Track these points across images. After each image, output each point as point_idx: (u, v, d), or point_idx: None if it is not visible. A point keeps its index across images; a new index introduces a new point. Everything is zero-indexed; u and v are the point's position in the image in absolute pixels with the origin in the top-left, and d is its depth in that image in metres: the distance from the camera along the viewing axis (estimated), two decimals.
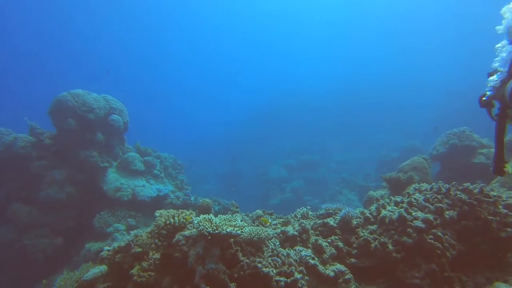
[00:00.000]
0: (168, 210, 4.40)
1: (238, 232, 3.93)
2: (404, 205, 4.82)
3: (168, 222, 4.17)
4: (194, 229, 4.20)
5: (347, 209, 5.52)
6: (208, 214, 4.28)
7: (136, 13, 57.45)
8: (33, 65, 54.29)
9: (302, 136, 33.53)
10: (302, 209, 6.34)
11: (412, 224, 4.19)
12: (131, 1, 54.75)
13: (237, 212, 6.48)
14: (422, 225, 3.99)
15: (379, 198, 5.60)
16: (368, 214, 5.31)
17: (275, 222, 5.84)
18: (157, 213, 4.34)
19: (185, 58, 67.95)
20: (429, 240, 3.81)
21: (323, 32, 57.28)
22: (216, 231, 3.80)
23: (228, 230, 3.85)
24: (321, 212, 6.45)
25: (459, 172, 8.80)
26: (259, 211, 6.55)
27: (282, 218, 6.47)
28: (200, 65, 68.58)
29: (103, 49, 59.33)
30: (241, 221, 4.72)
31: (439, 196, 4.32)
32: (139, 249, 4.51)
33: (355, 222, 5.35)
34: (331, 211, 6.37)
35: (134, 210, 10.43)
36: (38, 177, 9.83)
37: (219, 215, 4.42)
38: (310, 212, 6.22)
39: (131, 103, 12.92)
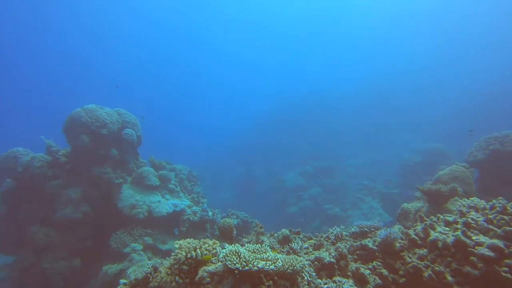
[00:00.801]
0: (189, 241, 3.87)
1: (272, 267, 3.38)
2: (459, 226, 4.17)
3: (189, 255, 3.64)
4: (220, 263, 3.67)
5: (389, 230, 4.89)
6: (234, 245, 3.75)
7: (144, 25, 58.24)
8: (52, 82, 55.52)
9: (316, 140, 32.81)
10: (336, 229, 5.72)
11: (476, 251, 3.54)
12: (141, 14, 55.53)
13: (262, 233, 5.92)
14: (491, 254, 3.34)
15: (424, 217, 4.94)
16: (413, 236, 4.67)
17: (306, 245, 5.24)
18: (176, 245, 3.82)
19: (195, 64, 68.32)
20: (504, 274, 3.15)
21: (337, 33, 56.59)
22: (246, 268, 3.26)
23: (259, 265, 3.31)
24: (354, 230, 5.84)
25: (502, 180, 8.01)
26: (286, 231, 6.00)
27: (313, 239, 5.88)
28: (211, 71, 68.84)
29: (113, 63, 60.35)
30: (270, 248, 4.16)
31: (506, 217, 3.65)
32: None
33: (398, 245, 4.73)
34: (365, 229, 5.75)
35: (150, 227, 10.01)
36: (54, 197, 9.53)
37: (246, 245, 3.88)
38: (344, 233, 5.59)
39: (140, 113, 12.58)
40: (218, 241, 4.03)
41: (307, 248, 5.17)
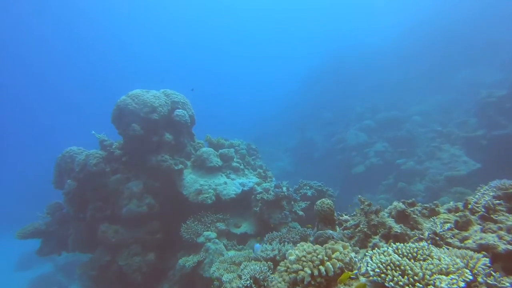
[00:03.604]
0: (308, 249, 2.68)
1: (461, 285, 2.06)
2: None
3: (316, 273, 2.46)
4: (364, 278, 2.44)
5: None
6: (381, 250, 2.49)
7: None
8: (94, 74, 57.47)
9: (371, 92, 29.85)
10: (482, 197, 4.18)
11: None
12: None
13: (373, 212, 4.57)
14: None
15: None
16: None
17: (448, 225, 3.80)
18: (291, 257, 2.64)
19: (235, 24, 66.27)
20: None
21: None
22: None
23: (443, 285, 2.01)
24: (492, 193, 4.29)
25: None
26: (399, 204, 4.64)
27: (441, 213, 4.44)
28: (252, 31, 66.47)
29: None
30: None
31: None
32: None
33: None
34: None
35: (220, 211, 9.19)
36: (117, 193, 9.04)
37: (392, 245, 2.60)
38: (496, 201, 4.03)
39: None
40: (348, 244, 2.80)
41: (451, 229, 3.75)
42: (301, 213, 8.91)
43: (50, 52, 50.62)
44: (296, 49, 61.79)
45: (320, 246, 2.72)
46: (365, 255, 2.48)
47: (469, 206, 4.09)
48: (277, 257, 5.27)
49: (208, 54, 68.02)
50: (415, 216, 4.47)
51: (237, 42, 68.77)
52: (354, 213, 5.76)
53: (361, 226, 4.51)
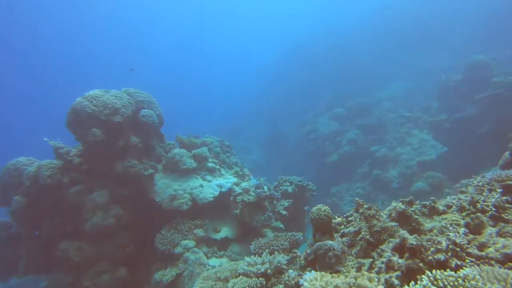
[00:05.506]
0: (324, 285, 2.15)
1: None
2: None
3: None
4: None
5: None
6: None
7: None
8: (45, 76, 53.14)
9: (339, 79, 29.85)
10: (490, 195, 3.83)
11: None
12: None
13: (373, 216, 4.13)
14: None
15: None
16: None
17: (462, 230, 3.43)
18: None
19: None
20: None
21: None
22: None
23: None
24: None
25: None
26: (399, 205, 4.29)
27: (449, 213, 4.11)
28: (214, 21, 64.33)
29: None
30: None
31: None
32: None
33: None
34: (510, 182, 3.93)
35: (197, 217, 8.53)
36: (78, 206, 8.05)
37: (428, 274, 2.13)
38: (500, 198, 3.71)
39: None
40: (374, 277, 2.30)
41: (466, 233, 3.38)
42: (284, 212, 8.46)
43: None
44: (260, 37, 60.72)
45: (340, 281, 2.21)
46: None
47: (478, 206, 3.76)
48: (269, 271, 4.76)
49: (171, 48, 65.30)
50: (417, 216, 4.09)
51: (201, 32, 66.36)
52: (349, 213, 5.32)
53: (363, 233, 4.06)
